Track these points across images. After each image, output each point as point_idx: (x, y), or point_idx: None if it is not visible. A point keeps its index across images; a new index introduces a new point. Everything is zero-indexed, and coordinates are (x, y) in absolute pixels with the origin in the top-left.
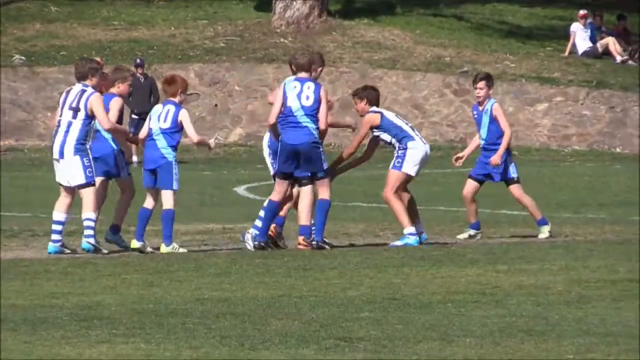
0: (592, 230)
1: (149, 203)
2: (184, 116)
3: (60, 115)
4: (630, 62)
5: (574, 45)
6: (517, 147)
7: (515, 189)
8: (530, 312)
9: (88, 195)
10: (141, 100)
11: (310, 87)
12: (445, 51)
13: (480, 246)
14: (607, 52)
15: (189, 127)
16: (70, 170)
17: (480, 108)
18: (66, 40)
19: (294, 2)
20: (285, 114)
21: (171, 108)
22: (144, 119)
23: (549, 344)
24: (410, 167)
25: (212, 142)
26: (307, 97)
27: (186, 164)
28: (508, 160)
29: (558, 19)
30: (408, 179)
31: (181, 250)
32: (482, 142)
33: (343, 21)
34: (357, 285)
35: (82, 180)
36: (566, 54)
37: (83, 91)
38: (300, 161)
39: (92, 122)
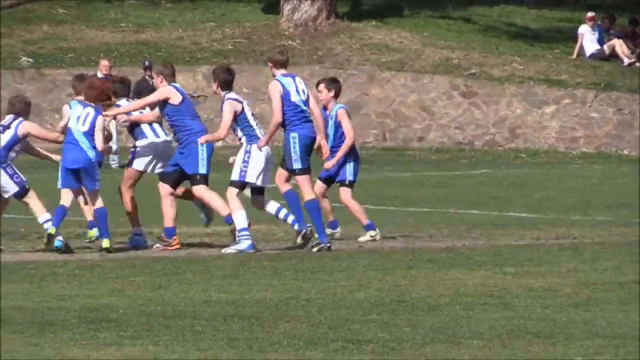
0: (600, 232)
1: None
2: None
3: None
4: (637, 64)
5: (581, 47)
6: (525, 149)
7: (342, 192)
8: (538, 314)
9: (32, 201)
10: None
11: (300, 81)
12: (453, 53)
13: (488, 249)
14: (614, 55)
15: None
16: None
17: (327, 112)
18: (74, 43)
19: (302, 5)
20: (294, 110)
21: (91, 111)
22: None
23: (556, 347)
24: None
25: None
26: (303, 91)
27: None
28: (347, 161)
29: (566, 21)
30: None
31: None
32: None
33: (351, 23)
34: (365, 288)
35: (16, 188)
36: (574, 56)
37: (16, 117)
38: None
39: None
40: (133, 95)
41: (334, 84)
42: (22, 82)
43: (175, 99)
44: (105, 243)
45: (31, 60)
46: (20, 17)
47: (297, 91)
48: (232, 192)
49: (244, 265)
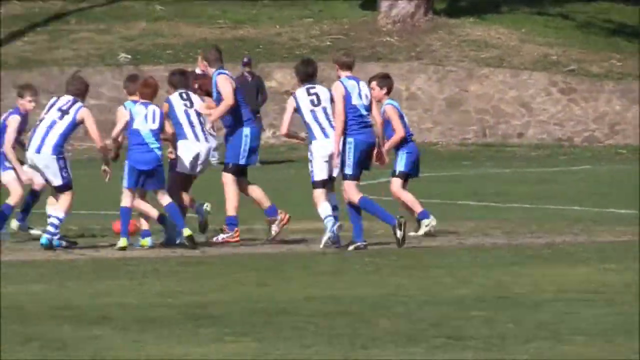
0: None
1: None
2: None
3: (46, 114)
4: None
5: None
6: (624, 145)
7: (393, 183)
8: None
9: (66, 198)
10: (249, 98)
11: (364, 85)
12: (552, 49)
13: (590, 245)
14: None
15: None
16: (48, 169)
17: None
18: (171, 39)
19: (400, 1)
20: (354, 113)
21: (156, 109)
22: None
23: None
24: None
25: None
26: (366, 96)
27: (294, 163)
28: (399, 152)
29: None
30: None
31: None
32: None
33: (449, 20)
34: (466, 284)
35: (60, 182)
36: None
37: (75, 100)
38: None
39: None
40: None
41: (385, 80)
42: (120, 79)
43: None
44: (186, 232)
45: (129, 56)
46: (119, 14)
47: (360, 95)
48: (315, 193)
49: (346, 262)
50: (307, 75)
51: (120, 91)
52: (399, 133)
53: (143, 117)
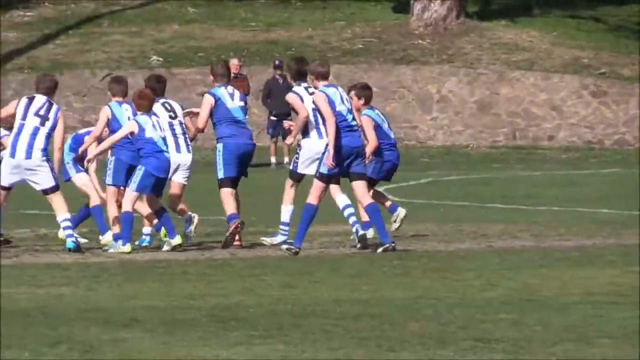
0: None
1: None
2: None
3: (24, 119)
4: None
5: None
6: None
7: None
8: None
9: (59, 198)
10: (280, 101)
11: (343, 91)
12: (583, 52)
13: (617, 248)
14: None
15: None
16: (39, 174)
17: None
18: (203, 42)
19: (432, 4)
20: (338, 119)
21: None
22: (282, 120)
23: None
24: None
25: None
26: (347, 100)
27: None
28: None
29: None
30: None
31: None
32: None
33: (480, 23)
34: (495, 287)
35: (53, 183)
36: None
37: (50, 102)
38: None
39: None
40: (263, 95)
41: (364, 91)
42: None
43: None
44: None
45: (161, 59)
46: (151, 17)
47: (342, 100)
48: (286, 183)
49: (374, 264)
50: (300, 73)
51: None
52: (372, 143)
53: (151, 126)
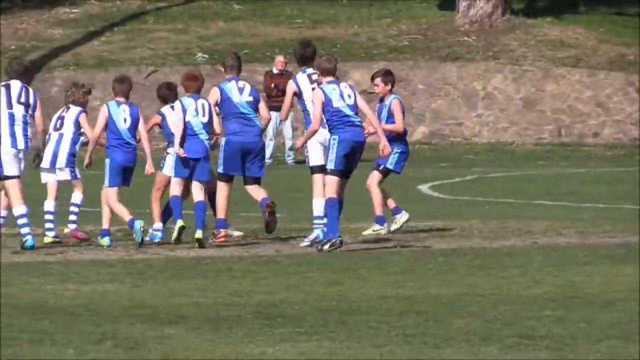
0: None
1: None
2: None
3: (11, 108)
4: None
5: None
6: None
7: (372, 175)
8: None
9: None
10: None
11: (345, 87)
12: (629, 50)
13: None
14: None
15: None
16: (21, 162)
17: (384, 103)
18: (249, 39)
19: (478, 1)
20: (337, 115)
21: (205, 102)
22: None
23: None
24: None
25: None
26: (349, 96)
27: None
28: (394, 150)
29: None
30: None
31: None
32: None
33: (526, 20)
34: (539, 284)
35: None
36: None
37: (26, 88)
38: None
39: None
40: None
41: (389, 76)
42: None
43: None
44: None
45: (206, 56)
46: (196, 13)
47: (342, 96)
48: (314, 178)
49: (419, 261)
50: (303, 58)
51: None
52: (399, 126)
53: (194, 110)
